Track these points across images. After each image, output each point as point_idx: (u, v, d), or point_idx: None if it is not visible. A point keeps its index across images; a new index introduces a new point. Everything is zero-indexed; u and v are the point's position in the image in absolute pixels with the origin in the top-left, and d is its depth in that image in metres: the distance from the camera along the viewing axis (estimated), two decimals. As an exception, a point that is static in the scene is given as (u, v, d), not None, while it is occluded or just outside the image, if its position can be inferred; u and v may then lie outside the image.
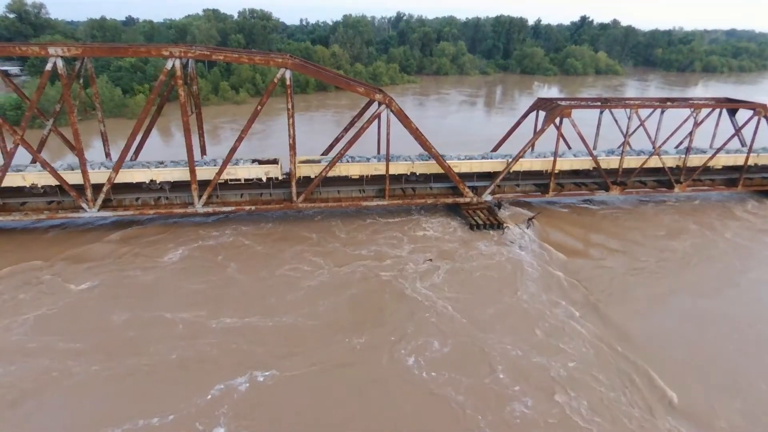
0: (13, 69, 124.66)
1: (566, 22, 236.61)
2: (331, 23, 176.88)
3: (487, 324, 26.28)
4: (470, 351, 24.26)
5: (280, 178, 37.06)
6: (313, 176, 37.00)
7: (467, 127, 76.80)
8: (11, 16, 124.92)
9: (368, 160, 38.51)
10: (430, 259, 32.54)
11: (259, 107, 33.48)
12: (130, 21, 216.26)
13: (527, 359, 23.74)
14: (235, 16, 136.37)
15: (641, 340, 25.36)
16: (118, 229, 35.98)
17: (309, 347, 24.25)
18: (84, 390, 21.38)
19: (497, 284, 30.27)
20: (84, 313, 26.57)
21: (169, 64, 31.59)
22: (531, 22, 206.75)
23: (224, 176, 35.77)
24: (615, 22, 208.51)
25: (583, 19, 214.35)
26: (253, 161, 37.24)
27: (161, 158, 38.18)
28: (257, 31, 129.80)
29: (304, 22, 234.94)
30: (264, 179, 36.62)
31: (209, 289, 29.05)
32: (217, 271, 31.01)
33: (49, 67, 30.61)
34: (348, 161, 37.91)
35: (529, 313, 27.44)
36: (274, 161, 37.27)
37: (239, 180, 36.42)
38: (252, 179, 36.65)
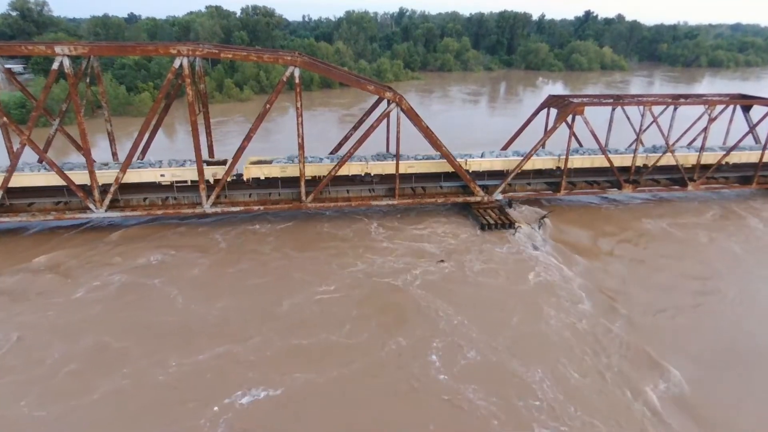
0: (17, 67, 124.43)
1: (570, 17, 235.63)
2: (333, 19, 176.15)
3: (512, 344, 24.18)
4: (502, 384, 21.73)
5: (229, 180, 35.58)
6: (263, 177, 36.14)
7: (471, 125, 76.19)
8: (14, 13, 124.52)
9: (321, 160, 37.37)
10: (442, 260, 32.04)
11: (268, 105, 32.99)
12: (132, 18, 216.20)
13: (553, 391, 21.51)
14: (238, 12, 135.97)
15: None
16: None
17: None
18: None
19: (515, 293, 28.79)
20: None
21: (177, 63, 31.13)
22: (535, 17, 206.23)
23: (170, 178, 34.93)
24: (620, 17, 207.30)
25: (588, 14, 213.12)
26: (203, 162, 35.95)
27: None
28: (261, 28, 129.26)
29: (306, 19, 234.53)
30: (212, 181, 35.31)
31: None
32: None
33: (55, 66, 30.17)
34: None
35: (551, 331, 25.32)
36: (224, 162, 36.13)
37: (186, 182, 35.18)
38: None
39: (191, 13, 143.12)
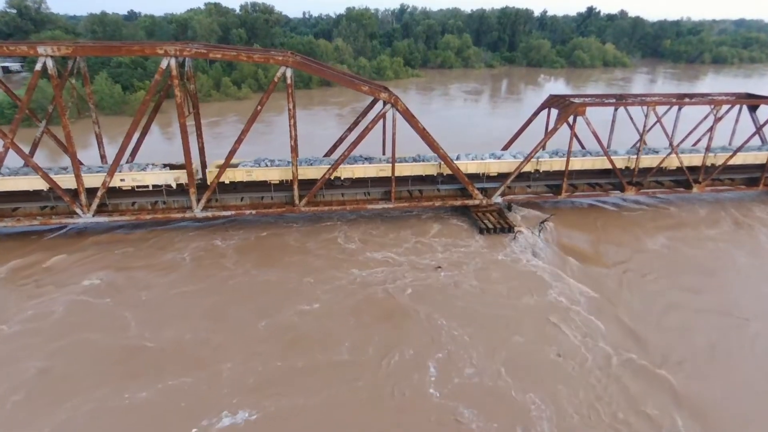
0: (14, 65, 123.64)
1: (572, 13, 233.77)
2: (334, 16, 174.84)
3: (511, 368, 22.37)
4: (500, 411, 20.19)
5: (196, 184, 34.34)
6: (227, 182, 34.52)
7: (472, 125, 75.03)
8: (11, 11, 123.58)
9: (288, 164, 35.65)
10: (439, 267, 31.01)
11: (259, 107, 32.01)
12: (132, 15, 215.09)
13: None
14: (237, 10, 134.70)
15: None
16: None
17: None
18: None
19: (514, 307, 27.00)
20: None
21: (164, 63, 30.12)
22: (537, 13, 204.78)
23: (130, 183, 33.53)
24: (622, 13, 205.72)
25: (590, 9, 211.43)
26: (164, 166, 34.81)
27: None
28: (259, 25, 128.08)
29: (306, 15, 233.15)
30: (174, 186, 33.98)
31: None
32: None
33: (38, 67, 29.25)
34: (267, 165, 35.51)
35: (550, 353, 23.57)
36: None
37: (147, 186, 33.89)
38: (161, 186, 34.06)
39: (191, 10, 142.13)
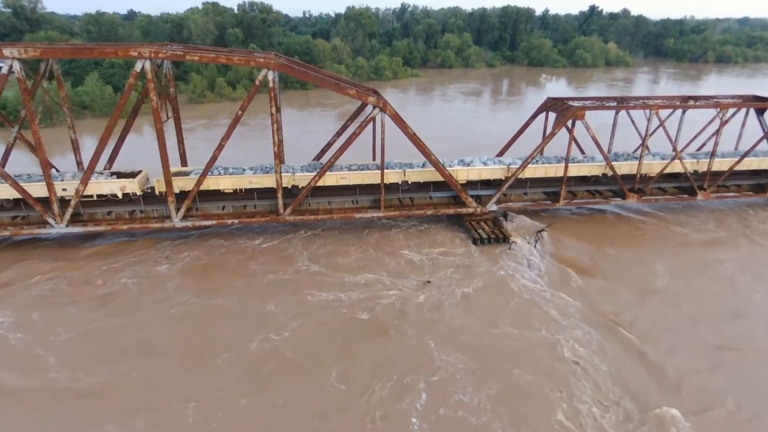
0: (5, 66, 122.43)
1: (575, 11, 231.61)
2: (333, 15, 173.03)
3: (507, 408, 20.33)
4: None
5: (139, 193, 32.74)
6: (177, 191, 32.51)
7: (471, 126, 73.22)
8: (7, 11, 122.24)
9: (243, 171, 34.15)
10: (429, 281, 29.32)
11: (240, 112, 30.40)
12: (131, 15, 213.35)
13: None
14: (235, 9, 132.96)
15: None
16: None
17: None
18: None
19: (504, 336, 24.76)
20: None
21: (138, 66, 28.56)
22: (538, 12, 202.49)
23: (72, 193, 31.60)
24: (625, 12, 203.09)
25: (592, 8, 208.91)
26: (112, 174, 33.24)
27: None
28: (256, 24, 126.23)
29: (306, 14, 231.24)
30: (120, 195, 32.45)
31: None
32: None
33: (5, 70, 27.80)
34: (221, 173, 33.80)
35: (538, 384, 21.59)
36: (133, 174, 33.13)
37: (91, 197, 32.30)
38: (106, 195, 32.51)
39: (190, 9, 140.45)
